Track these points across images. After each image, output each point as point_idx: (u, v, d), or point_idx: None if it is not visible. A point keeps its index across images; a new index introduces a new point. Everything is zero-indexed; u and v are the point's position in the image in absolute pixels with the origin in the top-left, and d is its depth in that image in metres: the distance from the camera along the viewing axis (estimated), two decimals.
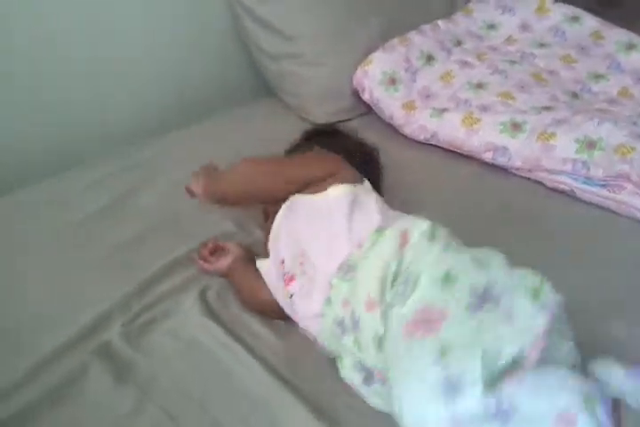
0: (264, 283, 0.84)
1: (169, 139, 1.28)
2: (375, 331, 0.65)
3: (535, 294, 0.60)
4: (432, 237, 0.69)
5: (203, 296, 0.88)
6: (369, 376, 0.69)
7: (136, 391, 0.74)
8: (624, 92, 1.32)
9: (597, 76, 1.35)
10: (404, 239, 0.70)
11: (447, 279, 0.62)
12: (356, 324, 0.68)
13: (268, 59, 1.37)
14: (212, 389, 0.74)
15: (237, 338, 0.80)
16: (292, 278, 0.78)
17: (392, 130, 1.29)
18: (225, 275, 0.91)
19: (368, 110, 1.35)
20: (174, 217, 1.04)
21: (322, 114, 1.33)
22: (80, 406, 0.72)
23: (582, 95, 1.31)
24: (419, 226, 0.71)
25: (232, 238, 0.99)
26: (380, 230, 0.73)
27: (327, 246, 0.76)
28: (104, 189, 1.10)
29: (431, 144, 1.24)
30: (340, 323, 0.71)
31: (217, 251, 0.94)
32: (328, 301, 0.73)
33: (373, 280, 0.67)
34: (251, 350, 0.78)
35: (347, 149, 0.96)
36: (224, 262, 0.92)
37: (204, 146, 1.23)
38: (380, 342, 0.64)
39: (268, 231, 0.87)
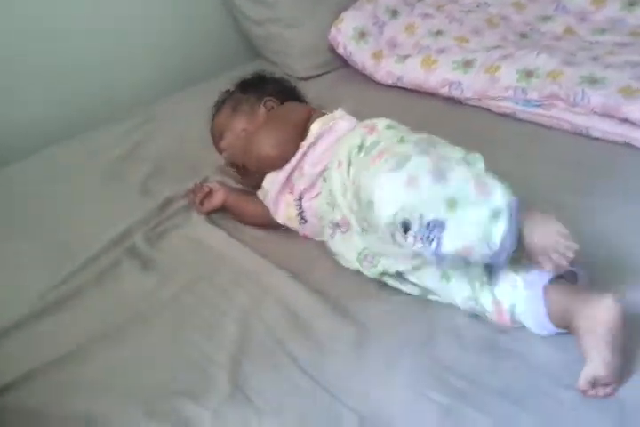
0: (260, 202, 1.05)
1: (174, 99, 1.50)
2: (342, 181, 0.87)
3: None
4: (392, 127, 0.92)
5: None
6: (334, 231, 0.91)
7: (158, 275, 0.96)
8: (568, 31, 1.49)
9: (545, 18, 1.53)
10: (370, 129, 0.91)
11: (401, 141, 0.83)
12: (329, 179, 0.91)
13: (254, 24, 1.56)
14: (218, 270, 0.96)
15: (235, 237, 1.02)
16: (292, 186, 0.98)
17: (365, 78, 1.48)
18: (222, 208, 1.08)
19: (344, 64, 1.54)
20: (181, 158, 1.26)
21: (303, 69, 1.53)
22: (117, 286, 0.95)
23: (531, 35, 1.48)
24: (382, 121, 0.93)
25: (228, 173, 1.19)
26: None
27: (319, 156, 0.97)
28: (126, 138, 1.33)
29: (399, 87, 1.42)
30: (330, 193, 0.91)
31: (206, 193, 1.08)
32: (323, 179, 0.94)
33: (343, 151, 0.89)
34: (247, 244, 1.00)
35: (277, 89, 1.13)
36: (217, 200, 1.07)
37: (203, 103, 1.45)
38: (344, 188, 0.86)
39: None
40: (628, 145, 1.12)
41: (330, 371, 0.77)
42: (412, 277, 0.85)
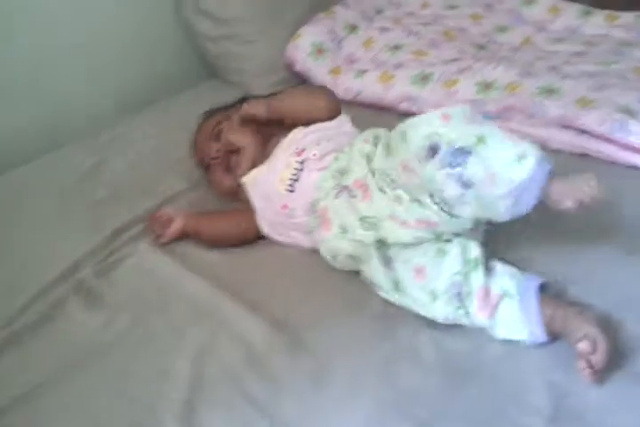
0: (237, 213, 1.04)
1: (131, 121, 1.45)
2: (366, 151, 0.92)
3: None
4: None
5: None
6: (340, 192, 0.92)
7: (106, 312, 0.91)
8: (526, 41, 1.49)
9: (502, 29, 1.52)
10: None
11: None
12: (351, 149, 0.95)
13: (209, 42, 1.52)
14: (171, 303, 0.92)
15: (189, 266, 0.98)
16: (303, 150, 0.98)
17: None
18: (185, 234, 1.04)
19: (302, 81, 1.51)
20: (136, 182, 1.22)
21: (261, 87, 1.48)
22: (63, 326, 0.89)
23: (488, 46, 1.47)
24: None
25: (185, 196, 1.16)
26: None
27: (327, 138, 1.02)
28: (81, 163, 1.28)
29: (358, 102, 1.40)
30: (341, 171, 0.94)
31: (164, 222, 1.04)
32: (335, 158, 0.97)
33: (369, 135, 0.96)
34: (198, 271, 0.96)
35: None
36: (175, 227, 1.03)
37: (160, 125, 1.42)
38: (368, 156, 0.91)
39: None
40: (585, 156, 1.11)
41: (289, 409, 0.73)
42: (400, 259, 0.84)
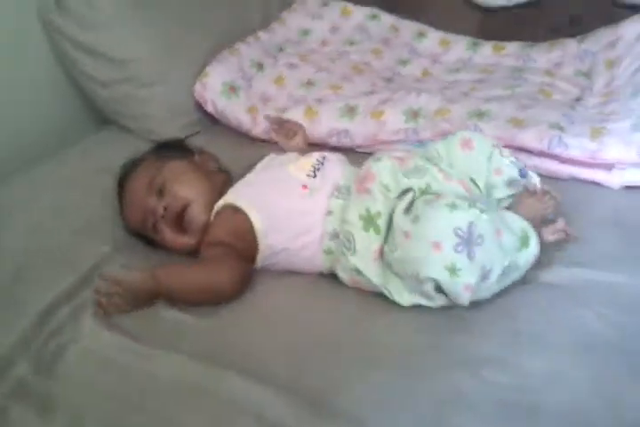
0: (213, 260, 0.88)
1: (13, 183, 1.22)
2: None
3: None
4: None
5: (99, 314, 0.86)
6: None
7: (64, 417, 0.71)
8: (425, 73, 1.54)
9: (403, 62, 1.57)
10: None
11: None
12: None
13: (100, 86, 1.36)
14: (147, 391, 0.74)
15: (148, 342, 0.81)
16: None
17: (238, 134, 1.36)
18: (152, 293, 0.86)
19: (214, 121, 1.41)
20: (46, 251, 1.02)
21: (169, 131, 1.35)
22: None
23: (395, 78, 1.50)
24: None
25: (110, 261, 0.99)
26: None
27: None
28: None
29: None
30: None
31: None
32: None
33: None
34: (166, 345, 0.80)
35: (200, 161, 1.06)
36: (134, 276, 0.85)
37: (50, 185, 1.21)
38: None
39: None
40: None
41: None
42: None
